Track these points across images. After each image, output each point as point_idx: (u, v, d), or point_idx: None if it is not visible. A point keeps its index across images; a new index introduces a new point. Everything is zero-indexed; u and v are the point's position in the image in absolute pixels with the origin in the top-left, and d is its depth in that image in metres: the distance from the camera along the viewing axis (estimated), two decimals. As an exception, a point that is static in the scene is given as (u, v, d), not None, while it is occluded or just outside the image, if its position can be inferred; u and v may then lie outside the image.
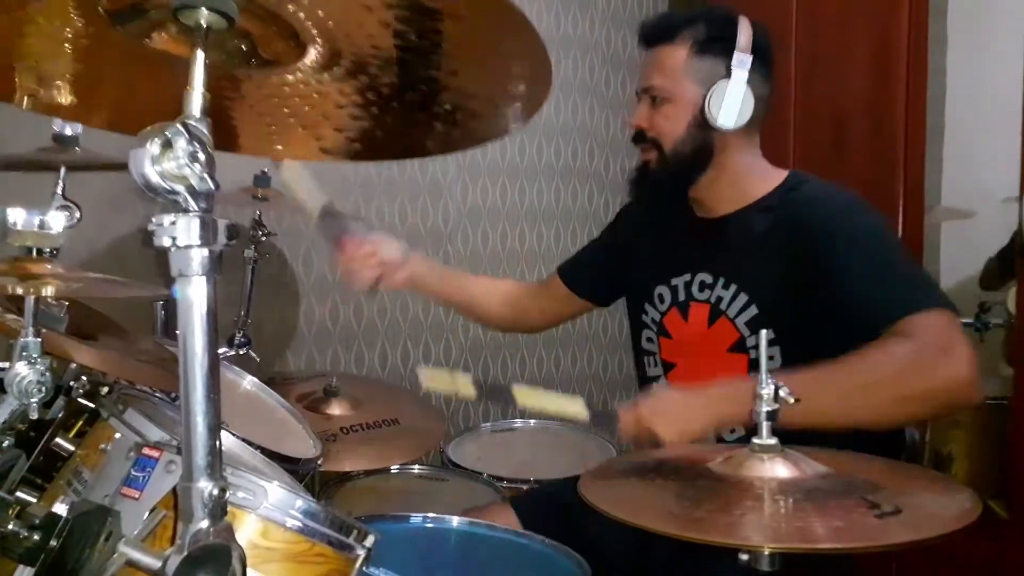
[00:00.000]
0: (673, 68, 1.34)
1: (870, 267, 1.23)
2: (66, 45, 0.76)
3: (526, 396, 1.27)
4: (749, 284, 1.33)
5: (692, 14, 1.36)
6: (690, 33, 1.34)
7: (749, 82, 1.30)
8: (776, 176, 1.39)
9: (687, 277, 1.42)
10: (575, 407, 1.25)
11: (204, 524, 0.61)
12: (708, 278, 1.39)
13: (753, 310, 1.32)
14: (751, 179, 1.38)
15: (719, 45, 1.31)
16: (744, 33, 1.31)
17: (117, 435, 0.91)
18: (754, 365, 1.32)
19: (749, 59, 1.30)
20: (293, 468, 1.29)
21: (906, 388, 1.13)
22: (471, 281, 1.82)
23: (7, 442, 0.93)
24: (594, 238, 1.74)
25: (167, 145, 0.60)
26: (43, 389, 0.87)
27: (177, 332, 0.62)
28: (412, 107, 0.82)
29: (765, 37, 1.34)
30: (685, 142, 1.34)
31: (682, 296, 1.42)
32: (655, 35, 1.38)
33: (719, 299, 1.36)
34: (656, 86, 1.35)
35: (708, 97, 1.30)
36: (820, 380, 1.13)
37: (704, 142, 1.34)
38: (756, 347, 1.31)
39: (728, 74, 1.30)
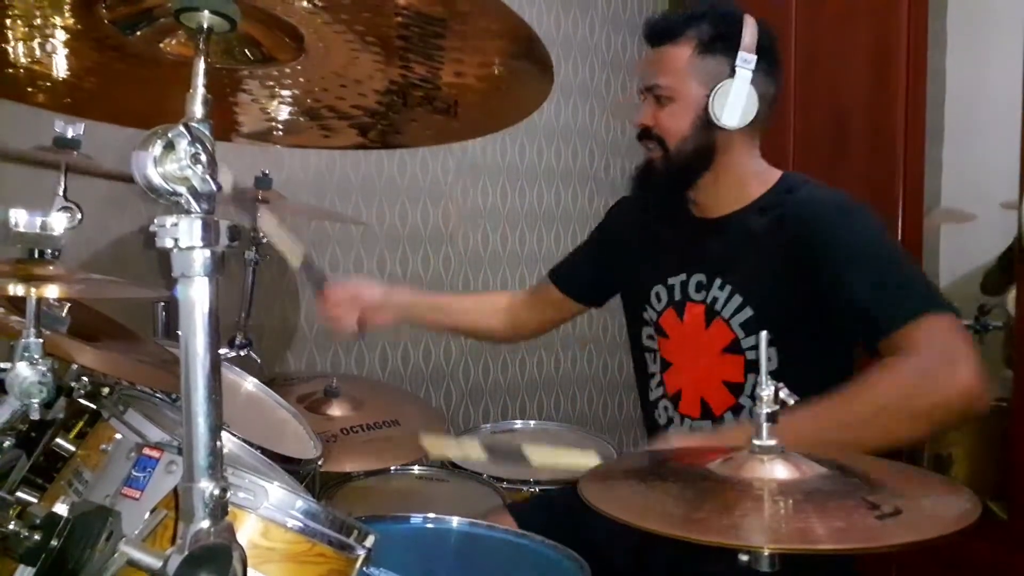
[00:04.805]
0: (677, 67, 1.34)
1: (868, 275, 1.21)
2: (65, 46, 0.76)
3: (538, 454, 1.24)
4: (744, 286, 1.33)
5: (697, 13, 1.35)
6: (694, 32, 1.33)
7: (753, 82, 1.30)
8: (771, 177, 1.39)
9: (683, 277, 1.42)
10: (588, 459, 1.20)
11: (205, 524, 0.61)
12: (703, 278, 1.39)
13: (748, 311, 1.32)
14: (749, 180, 1.38)
15: (723, 44, 1.31)
16: (749, 32, 1.31)
17: (118, 436, 0.91)
18: (751, 367, 1.32)
19: (753, 58, 1.30)
20: (294, 469, 1.29)
21: (915, 408, 1.11)
22: (460, 302, 1.84)
23: (8, 442, 0.93)
24: (583, 240, 1.73)
25: (169, 147, 0.60)
26: (44, 390, 0.87)
27: (178, 333, 0.62)
28: (414, 100, 0.83)
29: (770, 37, 1.34)
30: (688, 141, 1.34)
31: (678, 296, 1.42)
32: (659, 34, 1.37)
33: (714, 300, 1.36)
34: (660, 85, 1.35)
35: (712, 96, 1.30)
36: (826, 415, 1.11)
37: (707, 141, 1.34)
38: (753, 348, 1.32)
39: (732, 73, 1.30)
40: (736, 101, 1.29)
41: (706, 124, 1.32)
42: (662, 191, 1.42)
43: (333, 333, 1.64)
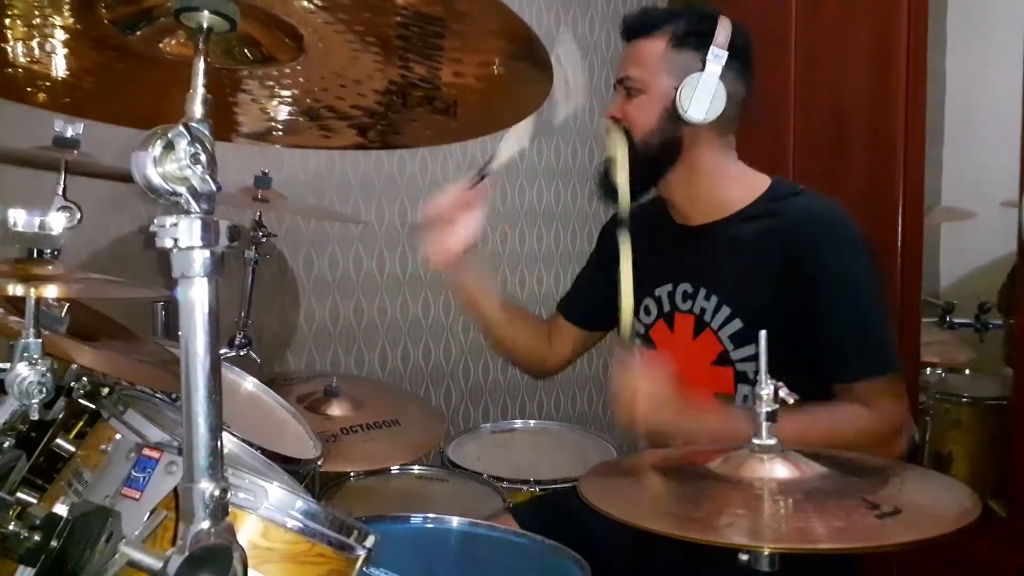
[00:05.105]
0: (650, 60, 1.34)
1: (849, 317, 1.25)
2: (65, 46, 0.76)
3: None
4: (732, 297, 1.32)
5: (674, 10, 1.38)
6: (669, 27, 1.34)
7: (723, 78, 1.30)
8: (759, 183, 1.38)
9: (669, 287, 1.41)
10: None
11: (205, 525, 0.61)
12: (689, 288, 1.38)
13: (737, 323, 1.31)
14: (729, 184, 1.37)
15: (696, 39, 1.32)
16: (723, 30, 1.31)
17: (118, 436, 0.91)
18: (741, 378, 1.32)
19: (725, 55, 1.30)
20: (293, 469, 1.29)
21: (852, 449, 1.14)
22: (526, 319, 1.64)
23: (8, 443, 0.93)
24: (583, 267, 1.69)
25: (169, 147, 0.60)
26: (44, 390, 0.87)
27: (179, 333, 0.62)
28: (413, 100, 0.83)
29: (745, 38, 1.34)
30: (655, 134, 1.34)
31: (667, 307, 1.42)
32: (635, 28, 1.38)
33: (703, 310, 1.35)
34: (632, 76, 1.36)
35: (680, 89, 1.30)
36: (796, 424, 1.07)
37: (673, 135, 1.34)
38: (743, 360, 1.31)
39: (702, 68, 1.30)
40: (703, 95, 1.29)
41: (673, 117, 1.32)
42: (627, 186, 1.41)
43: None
